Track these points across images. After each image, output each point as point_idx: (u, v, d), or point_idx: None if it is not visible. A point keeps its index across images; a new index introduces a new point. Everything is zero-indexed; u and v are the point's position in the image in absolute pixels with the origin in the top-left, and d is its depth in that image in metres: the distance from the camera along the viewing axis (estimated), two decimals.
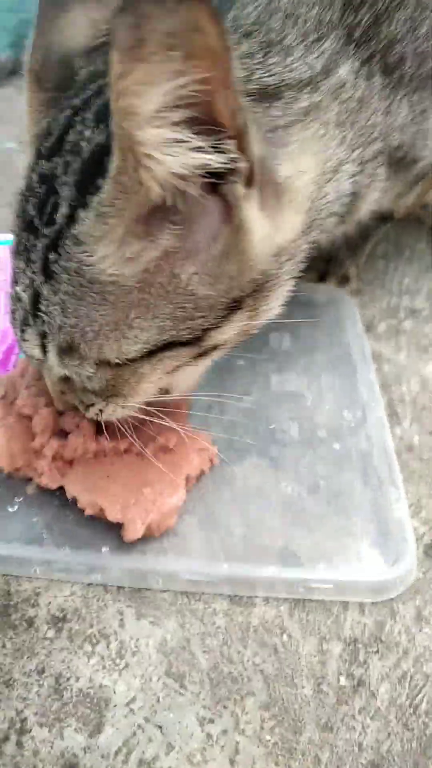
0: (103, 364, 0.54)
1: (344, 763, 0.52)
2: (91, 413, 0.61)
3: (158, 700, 0.54)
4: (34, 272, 0.53)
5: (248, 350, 0.75)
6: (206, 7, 0.38)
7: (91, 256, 0.50)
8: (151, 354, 0.55)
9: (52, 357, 0.55)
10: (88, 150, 0.51)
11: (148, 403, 0.60)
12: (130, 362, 0.55)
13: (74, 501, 0.65)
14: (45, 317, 0.53)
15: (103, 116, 0.51)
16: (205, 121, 0.45)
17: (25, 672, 0.55)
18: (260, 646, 0.58)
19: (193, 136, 0.45)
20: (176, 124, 0.44)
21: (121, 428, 0.64)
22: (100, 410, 0.60)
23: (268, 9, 0.59)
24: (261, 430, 0.76)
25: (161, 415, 0.62)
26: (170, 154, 0.45)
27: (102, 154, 0.49)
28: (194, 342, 0.56)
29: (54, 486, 0.66)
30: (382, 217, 0.94)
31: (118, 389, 0.57)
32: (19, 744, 0.51)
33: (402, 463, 0.73)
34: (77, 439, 0.67)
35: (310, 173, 0.61)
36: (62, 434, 0.68)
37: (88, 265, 0.50)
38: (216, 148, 0.47)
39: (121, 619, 0.59)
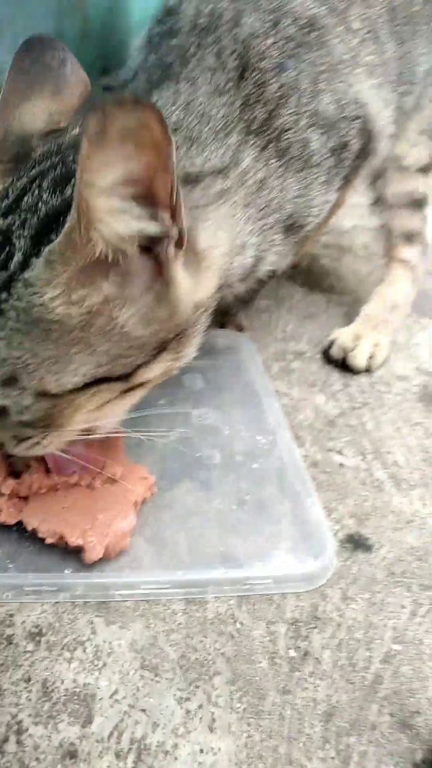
0: (42, 394, 0.62)
1: (303, 717, 0.61)
2: (22, 448, 0.67)
3: (138, 689, 0.61)
4: None
5: (167, 392, 0.86)
6: (154, 110, 0.51)
7: (40, 297, 0.59)
8: (87, 386, 0.64)
9: None
10: (45, 211, 0.61)
11: (87, 437, 0.68)
12: (68, 393, 0.63)
13: (33, 532, 0.71)
14: None
15: (59, 185, 0.62)
16: (146, 196, 0.57)
17: (13, 682, 0.60)
18: (218, 635, 0.67)
19: (136, 207, 0.57)
20: (124, 197, 0.56)
21: (69, 464, 0.72)
22: (35, 443, 0.67)
23: (186, 109, 0.74)
24: (188, 458, 0.87)
25: (99, 449, 0.72)
26: (117, 220, 0.57)
27: (56, 215, 0.60)
28: (125, 377, 0.66)
29: (13, 521, 0.72)
30: (272, 274, 1.10)
31: (55, 419, 0.65)
32: (19, 742, 0.56)
33: (311, 476, 0.86)
34: (31, 476, 0.73)
35: (223, 247, 0.74)
36: (14, 475, 0.75)
37: (35, 305, 0.59)
38: (153, 218, 0.59)
39: (92, 627, 0.66)
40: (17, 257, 0.60)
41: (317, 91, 0.84)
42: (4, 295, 0.59)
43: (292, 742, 0.59)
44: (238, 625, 0.68)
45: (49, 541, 0.70)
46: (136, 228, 0.58)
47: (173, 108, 0.74)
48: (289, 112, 0.80)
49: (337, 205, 1.00)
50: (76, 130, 0.71)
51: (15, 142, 0.68)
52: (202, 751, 0.57)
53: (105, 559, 0.69)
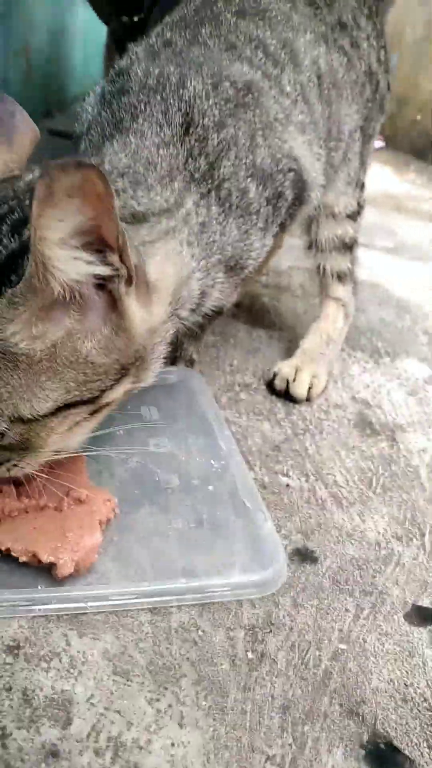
0: (17, 420, 0.69)
1: (263, 710, 0.68)
2: (2, 470, 0.73)
3: (112, 693, 0.66)
4: None
5: (125, 422, 0.93)
6: (94, 169, 0.58)
7: (3, 332, 0.65)
8: (58, 410, 0.71)
9: None
10: (5, 254, 0.67)
11: (50, 462, 0.74)
12: (41, 418, 0.70)
13: (6, 552, 0.76)
14: None
15: (17, 229, 0.69)
16: (95, 242, 0.64)
17: None
18: (183, 642, 0.73)
19: (86, 254, 0.64)
20: (75, 246, 0.63)
21: (38, 486, 0.78)
22: (14, 465, 0.73)
23: (134, 157, 0.82)
24: (148, 483, 0.93)
25: (62, 471, 0.78)
26: (70, 266, 0.64)
27: (15, 258, 0.66)
28: (93, 400, 0.73)
29: None
30: (218, 311, 1.19)
31: (31, 442, 0.72)
32: (4, 746, 0.60)
33: (261, 496, 0.94)
34: (3, 500, 0.78)
35: (171, 278, 0.82)
36: None
37: (1, 340, 0.66)
38: (104, 261, 0.66)
39: (67, 639, 0.71)
40: None
41: (254, 146, 0.94)
42: None
43: (254, 732, 0.65)
44: (200, 632, 0.74)
45: (22, 559, 0.75)
46: (88, 271, 0.65)
47: (122, 156, 0.82)
48: (228, 163, 0.89)
49: (275, 248, 1.10)
50: (30, 176, 0.78)
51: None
52: (173, 744, 0.63)
53: (75, 576, 0.75)
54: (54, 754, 0.60)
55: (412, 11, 3.75)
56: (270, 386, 1.29)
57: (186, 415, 1.06)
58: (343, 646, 0.75)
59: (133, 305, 0.70)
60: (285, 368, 1.27)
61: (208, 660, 0.71)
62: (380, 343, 1.59)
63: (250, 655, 0.73)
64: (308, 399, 1.26)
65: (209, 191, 0.87)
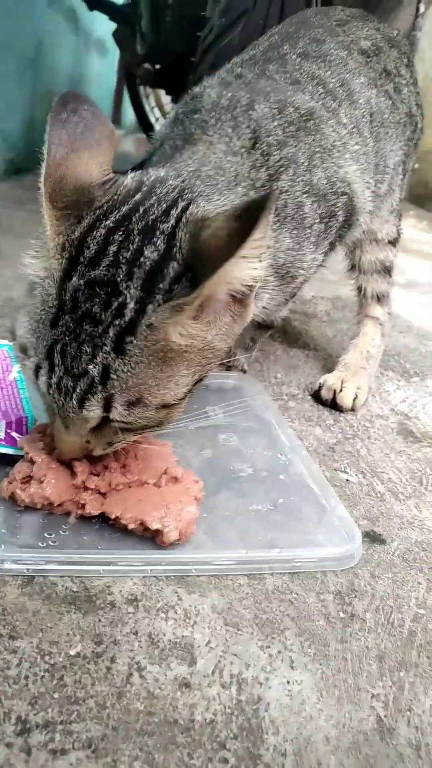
0: (162, 407, 0.76)
1: (362, 658, 0.75)
2: (109, 449, 0.81)
3: (226, 640, 0.73)
4: (104, 352, 0.70)
5: (194, 422, 1.01)
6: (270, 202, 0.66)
7: (165, 335, 0.72)
8: (189, 391, 0.79)
9: (119, 410, 0.73)
10: (149, 265, 0.71)
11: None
12: (180, 401, 0.78)
13: (115, 521, 0.83)
14: (115, 383, 0.72)
15: (147, 237, 0.73)
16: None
17: (124, 634, 0.71)
18: (280, 602, 0.80)
19: (256, 261, 0.70)
20: (253, 258, 0.70)
21: (138, 465, 0.86)
22: (119, 442, 0.80)
23: (204, 164, 0.90)
24: (222, 472, 1.01)
25: (158, 459, 0.86)
26: (245, 274, 0.71)
27: (159, 268, 0.72)
28: (202, 379, 0.82)
29: (96, 512, 0.84)
30: (265, 326, 1.28)
31: (164, 420, 0.80)
32: (142, 677, 0.67)
33: None
34: (111, 475, 0.86)
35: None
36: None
37: (159, 341, 0.72)
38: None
39: (178, 595, 0.78)
40: (131, 306, 0.70)
41: (312, 166, 1.04)
42: (129, 338, 0.71)
43: (357, 676, 0.72)
44: (294, 595, 0.81)
45: (130, 527, 0.81)
46: (253, 276, 0.73)
47: (191, 162, 0.90)
48: (287, 178, 0.99)
49: (321, 266, 1.20)
50: (156, 181, 0.80)
51: (72, 191, 0.73)
52: (288, 682, 0.69)
53: (177, 544, 0.82)
54: (186, 685, 0.66)
55: None
56: (316, 396, 1.38)
57: (248, 415, 1.14)
58: (421, 611, 0.83)
59: (252, 296, 0.78)
60: (331, 380, 1.36)
61: (305, 617, 0.78)
62: (408, 365, 1.69)
63: (341, 614, 0.80)
64: (353, 409, 1.35)
65: None
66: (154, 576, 0.79)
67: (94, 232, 0.72)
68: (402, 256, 2.96)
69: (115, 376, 0.72)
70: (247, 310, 0.78)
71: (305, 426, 1.25)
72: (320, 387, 1.36)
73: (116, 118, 5.53)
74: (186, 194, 0.79)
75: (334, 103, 1.14)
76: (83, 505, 0.83)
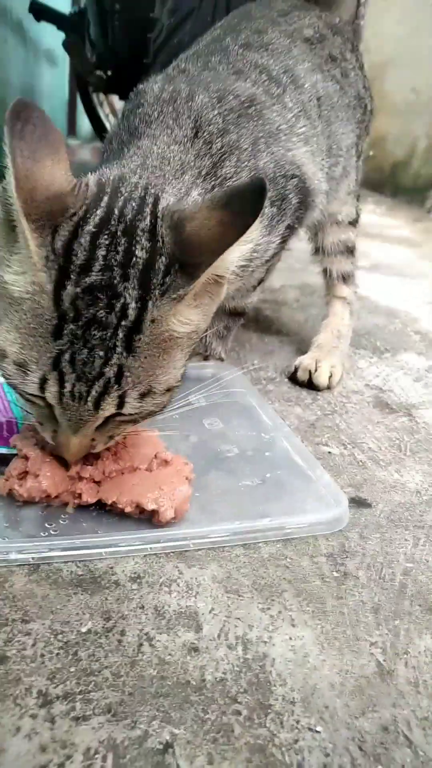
0: (167, 390, 0.80)
1: (358, 611, 0.79)
2: (106, 444, 0.84)
3: (229, 606, 0.77)
4: (117, 354, 0.72)
5: (177, 409, 1.04)
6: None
7: (167, 326, 0.75)
8: (184, 371, 0.83)
9: (132, 404, 0.76)
10: (141, 264, 0.73)
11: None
12: (179, 381, 0.82)
13: (111, 506, 0.86)
14: (128, 380, 0.74)
15: (132, 239, 0.74)
16: None
17: (131, 609, 0.74)
18: (276, 567, 0.84)
19: (243, 248, 0.75)
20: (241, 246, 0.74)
21: (129, 451, 0.89)
22: (119, 434, 0.84)
23: (149, 156, 0.92)
24: (210, 453, 1.05)
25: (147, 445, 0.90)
26: (234, 261, 0.76)
27: (150, 265, 0.74)
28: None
29: (93, 500, 0.87)
30: (237, 313, 1.32)
31: (167, 403, 0.82)
32: (152, 645, 0.70)
33: None
34: (104, 463, 0.89)
35: None
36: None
37: (163, 333, 0.76)
38: None
39: (178, 570, 0.81)
40: (133, 305, 0.72)
41: (256, 150, 1.06)
42: (137, 336, 0.73)
43: (355, 627, 0.76)
44: (288, 560, 0.85)
45: (127, 510, 0.85)
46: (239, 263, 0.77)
47: (136, 157, 0.92)
48: (230, 164, 1.01)
49: (275, 261, 1.23)
50: (118, 180, 0.81)
51: (45, 201, 0.71)
52: (290, 638, 0.73)
53: (173, 522, 0.85)
54: (194, 649, 0.70)
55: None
56: (293, 378, 1.42)
57: (229, 400, 1.18)
58: (410, 565, 0.87)
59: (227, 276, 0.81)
60: (306, 361, 1.41)
61: (301, 579, 0.82)
62: (378, 343, 1.74)
63: (335, 574, 0.84)
64: (329, 387, 1.39)
65: (212, 188, 0.97)
66: (154, 554, 0.83)
67: (79, 239, 0.72)
68: (364, 241, 3.02)
69: (128, 374, 0.74)
70: (222, 290, 0.81)
71: (285, 407, 1.30)
72: (296, 369, 1.41)
73: (71, 128, 5.54)
74: (150, 190, 0.81)
75: (278, 89, 1.17)
76: (80, 495, 0.86)
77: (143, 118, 1.01)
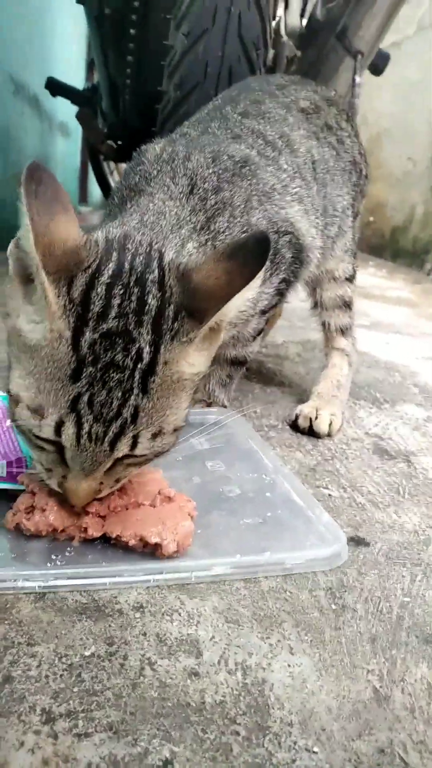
0: (174, 430, 0.84)
1: (355, 641, 0.81)
2: (112, 488, 0.87)
3: (229, 635, 0.79)
4: (134, 395, 0.76)
5: (181, 451, 1.09)
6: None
7: (178, 368, 0.81)
8: (188, 412, 0.87)
9: (144, 444, 0.80)
10: (153, 311, 0.78)
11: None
12: (184, 422, 0.86)
13: (116, 539, 0.89)
14: (143, 420, 0.79)
15: (144, 287, 0.80)
16: None
17: (134, 636, 0.76)
18: (275, 600, 0.86)
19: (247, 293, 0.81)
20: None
21: (133, 488, 0.93)
22: (125, 477, 0.88)
23: (148, 211, 0.99)
24: (212, 494, 1.08)
25: (152, 484, 0.93)
26: (240, 306, 0.82)
27: (162, 311, 0.79)
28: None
29: (98, 534, 0.90)
30: (238, 362, 1.37)
31: (174, 443, 0.87)
32: (154, 669, 0.72)
33: None
34: (108, 498, 0.92)
35: None
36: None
37: (174, 374, 0.81)
38: None
39: (180, 601, 0.84)
40: (147, 349, 0.76)
41: (249, 208, 1.13)
42: (152, 378, 0.78)
43: (352, 656, 0.78)
44: (288, 593, 0.87)
45: (131, 543, 0.88)
46: (241, 306, 0.83)
47: (135, 215, 0.98)
48: (223, 219, 1.07)
49: (275, 316, 1.29)
50: (139, 241, 0.86)
51: (61, 255, 0.76)
52: (289, 665, 0.75)
53: (175, 556, 0.88)
54: (195, 674, 0.72)
55: None
56: (294, 426, 1.46)
57: (231, 444, 1.22)
58: (407, 599, 0.89)
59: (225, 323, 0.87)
60: (306, 409, 1.45)
61: (300, 611, 0.84)
62: (378, 394, 1.79)
63: (333, 606, 0.86)
64: (329, 434, 1.43)
65: (206, 241, 1.03)
66: (157, 585, 0.85)
67: (96, 290, 0.77)
68: (365, 301, 3.11)
69: (143, 414, 0.78)
70: (220, 336, 0.87)
71: (286, 452, 1.33)
72: (297, 417, 1.45)
73: (83, 195, 5.76)
74: (154, 245, 0.87)
75: (274, 152, 1.26)
76: (85, 529, 0.89)
77: (143, 175, 1.09)
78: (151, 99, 1.80)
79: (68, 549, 0.88)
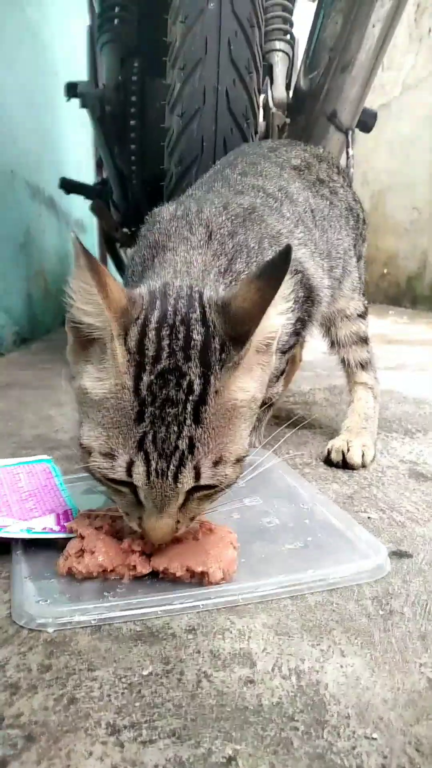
0: (237, 461, 0.88)
1: (405, 641, 0.82)
2: (187, 525, 0.92)
3: (280, 645, 0.81)
4: (187, 426, 0.80)
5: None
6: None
7: (229, 395, 0.86)
8: (249, 444, 0.92)
9: (207, 473, 0.84)
10: (199, 345, 0.83)
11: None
12: (247, 452, 0.90)
13: (163, 572, 0.93)
14: (200, 450, 0.83)
15: (189, 328, 0.86)
16: None
17: (189, 653, 0.79)
18: (323, 612, 0.89)
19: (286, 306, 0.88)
20: (282, 312, 0.87)
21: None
22: (199, 514, 0.92)
23: (177, 262, 1.07)
24: (253, 526, 1.11)
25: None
26: (278, 324, 0.88)
27: (206, 346, 0.85)
28: None
29: (146, 570, 0.94)
30: (264, 404, 1.43)
31: (239, 474, 0.90)
32: (210, 681, 0.75)
33: None
34: None
35: None
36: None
37: (228, 402, 0.86)
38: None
39: (230, 621, 0.86)
40: (197, 381, 0.81)
41: (262, 248, 1.21)
42: (204, 408, 0.84)
43: (403, 652, 0.79)
44: (335, 605, 0.90)
45: (178, 574, 0.91)
46: (278, 324, 0.89)
47: (166, 266, 1.06)
48: (242, 260, 1.15)
49: (296, 362, 1.34)
50: (176, 288, 0.94)
51: (122, 315, 0.85)
52: (342, 666, 0.77)
53: (222, 583, 0.91)
54: (250, 681, 0.74)
55: (358, 193, 4.47)
56: (327, 462, 1.49)
57: (267, 481, 1.26)
58: None
59: (273, 345, 0.92)
60: (337, 443, 1.49)
61: (348, 619, 0.86)
62: (409, 426, 1.81)
63: (381, 612, 0.88)
64: (363, 465, 1.46)
65: (231, 282, 1.11)
66: (206, 610, 0.88)
67: (148, 336, 0.84)
68: (389, 346, 3.16)
69: (198, 444, 0.83)
70: (271, 359, 0.92)
71: (322, 484, 1.36)
72: (329, 452, 1.48)
73: None
74: (194, 288, 0.95)
75: (276, 203, 1.36)
76: (134, 566, 0.94)
77: (162, 233, 1.17)
78: (156, 179, 1.95)
79: (119, 587, 0.92)
